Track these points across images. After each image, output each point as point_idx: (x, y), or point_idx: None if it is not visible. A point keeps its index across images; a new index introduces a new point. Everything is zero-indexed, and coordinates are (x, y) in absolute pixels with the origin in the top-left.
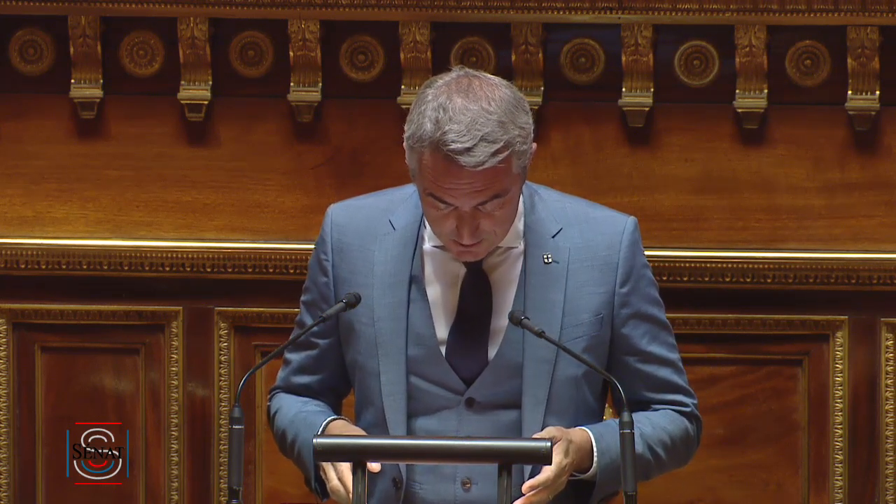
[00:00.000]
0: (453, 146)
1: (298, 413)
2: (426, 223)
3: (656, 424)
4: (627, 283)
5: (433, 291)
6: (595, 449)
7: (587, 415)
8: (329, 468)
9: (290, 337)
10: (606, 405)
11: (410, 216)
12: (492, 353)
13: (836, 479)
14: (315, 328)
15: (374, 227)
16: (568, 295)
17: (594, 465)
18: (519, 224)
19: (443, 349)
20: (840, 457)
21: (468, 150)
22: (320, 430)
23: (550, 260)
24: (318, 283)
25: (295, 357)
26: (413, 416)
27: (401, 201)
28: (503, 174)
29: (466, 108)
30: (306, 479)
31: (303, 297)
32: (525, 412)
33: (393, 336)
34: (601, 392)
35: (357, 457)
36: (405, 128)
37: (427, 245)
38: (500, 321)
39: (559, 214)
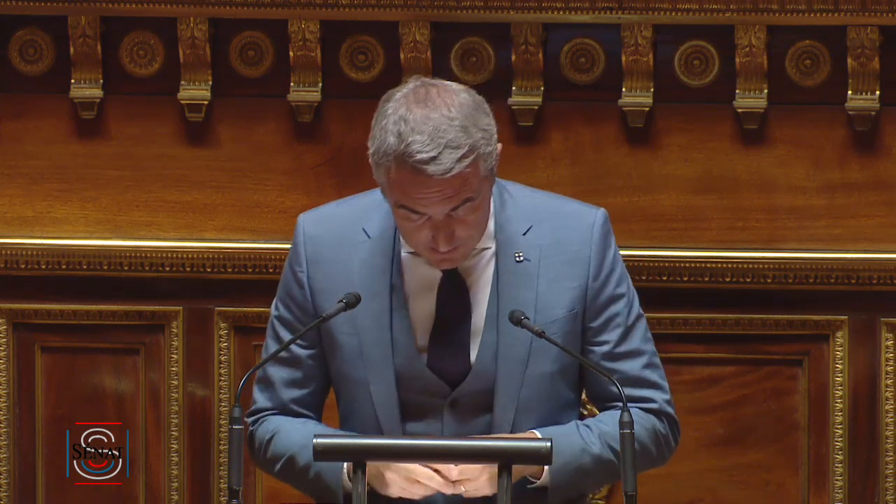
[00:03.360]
0: (419, 156)
1: (309, 435)
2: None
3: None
4: (600, 276)
5: (412, 299)
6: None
7: (562, 408)
8: (387, 475)
9: (269, 352)
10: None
11: (385, 223)
12: (473, 355)
13: (836, 479)
14: (296, 339)
15: (349, 236)
16: (539, 292)
17: (545, 470)
18: (490, 224)
19: (424, 357)
20: (840, 457)
21: (434, 158)
22: None
23: (522, 258)
24: (295, 296)
25: (282, 373)
26: (402, 422)
27: (372, 208)
28: (472, 178)
29: (427, 117)
30: (319, 501)
31: (276, 313)
32: (496, 413)
33: (378, 346)
34: (577, 384)
35: (357, 457)
36: (368, 144)
37: (403, 252)
38: (478, 323)
39: (529, 212)
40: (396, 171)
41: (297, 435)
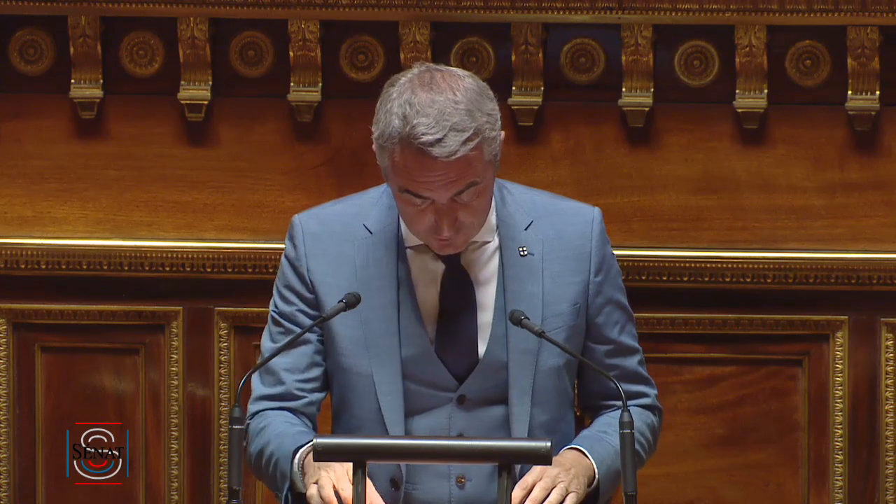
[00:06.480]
0: (424, 138)
1: (287, 429)
2: (403, 224)
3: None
4: (601, 272)
5: (418, 291)
6: (592, 459)
7: (566, 404)
8: (311, 475)
9: (264, 350)
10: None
11: (386, 219)
12: (481, 349)
13: (836, 479)
14: (300, 336)
15: (350, 232)
16: (546, 286)
17: (596, 475)
18: (492, 218)
19: (434, 347)
20: (840, 457)
21: (439, 140)
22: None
23: (526, 252)
24: (296, 288)
25: (285, 360)
26: (406, 416)
27: (371, 205)
28: (476, 161)
29: (433, 100)
30: (276, 493)
31: (274, 310)
32: (512, 405)
33: (385, 337)
34: (574, 380)
35: (357, 457)
36: (373, 129)
37: (407, 246)
38: (485, 317)
39: (529, 207)
40: (401, 153)
41: (280, 428)
